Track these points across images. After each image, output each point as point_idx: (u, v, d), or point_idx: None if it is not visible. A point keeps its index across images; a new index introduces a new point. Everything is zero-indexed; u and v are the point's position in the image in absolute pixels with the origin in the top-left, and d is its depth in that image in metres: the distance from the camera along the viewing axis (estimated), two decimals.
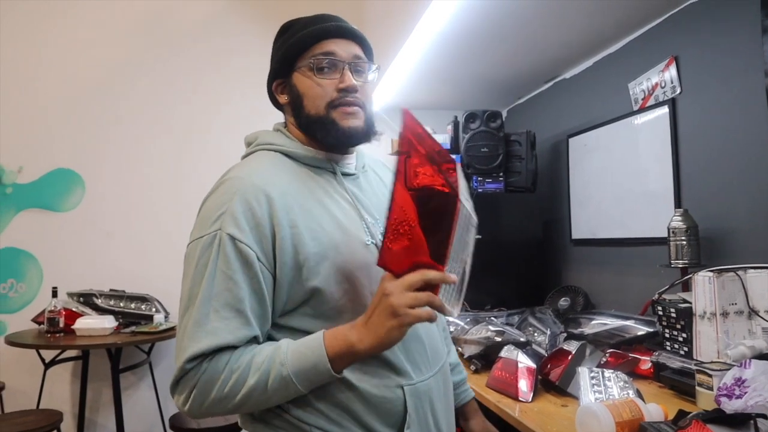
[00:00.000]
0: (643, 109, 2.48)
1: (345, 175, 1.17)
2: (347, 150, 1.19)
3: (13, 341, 2.95)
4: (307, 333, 1.02)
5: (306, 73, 1.12)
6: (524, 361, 1.79)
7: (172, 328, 3.18)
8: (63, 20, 3.62)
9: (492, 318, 2.41)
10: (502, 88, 3.44)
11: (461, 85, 3.34)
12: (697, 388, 1.48)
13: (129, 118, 3.69)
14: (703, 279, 1.63)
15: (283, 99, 1.18)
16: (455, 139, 3.21)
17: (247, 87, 3.80)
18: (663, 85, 2.35)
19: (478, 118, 3.07)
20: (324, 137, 1.12)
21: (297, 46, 1.13)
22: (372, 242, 1.10)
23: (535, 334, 2.17)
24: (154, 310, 3.29)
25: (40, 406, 3.22)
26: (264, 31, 3.82)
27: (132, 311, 3.27)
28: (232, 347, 0.96)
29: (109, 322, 3.08)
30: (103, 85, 3.66)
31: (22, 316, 3.43)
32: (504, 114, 3.79)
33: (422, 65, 2.95)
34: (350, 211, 1.12)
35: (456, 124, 3.23)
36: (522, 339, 2.01)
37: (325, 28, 1.13)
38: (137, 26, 3.73)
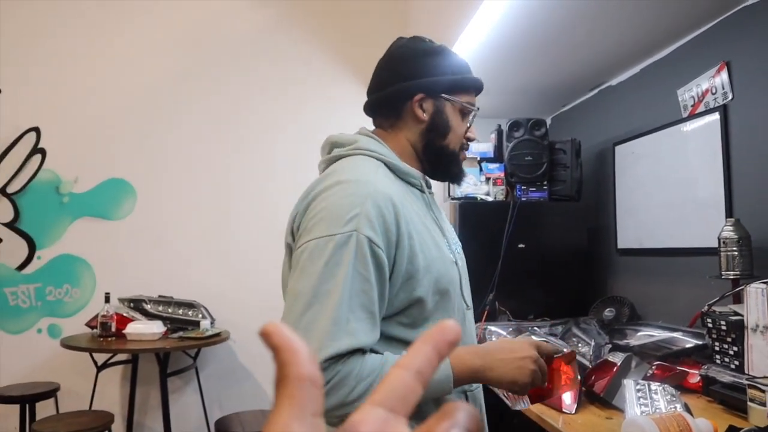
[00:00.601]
0: (692, 116, 2.42)
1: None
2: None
3: (67, 344, 3.05)
4: (398, 340, 1.06)
5: (456, 111, 1.22)
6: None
7: (218, 334, 3.24)
8: (118, 33, 3.76)
9: (535, 328, 2.38)
10: (547, 95, 3.41)
11: (505, 93, 3.33)
12: (749, 403, 1.43)
13: (179, 129, 3.79)
14: (755, 291, 1.58)
15: (421, 115, 1.20)
16: (499, 148, 3.19)
17: (298, 100, 3.88)
18: (714, 91, 2.29)
19: (522, 126, 3.05)
20: (453, 171, 1.27)
21: (463, 85, 1.23)
22: (454, 260, 1.17)
23: (579, 345, 2.13)
24: (200, 316, 3.36)
25: (93, 407, 3.32)
26: (315, 43, 3.89)
27: (180, 317, 3.35)
28: (361, 350, 0.98)
29: (157, 327, 3.16)
30: (155, 97, 3.78)
31: (76, 321, 3.55)
32: (548, 122, 3.76)
33: None
34: (436, 228, 1.18)
35: (500, 132, 3.21)
36: (566, 350, 1.98)
37: (481, 85, 1.27)
38: (191, 39, 3.84)
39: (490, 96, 3.36)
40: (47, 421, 2.89)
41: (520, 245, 2.86)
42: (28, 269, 3.60)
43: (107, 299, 3.23)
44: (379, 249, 1.01)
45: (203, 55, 3.84)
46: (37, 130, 3.65)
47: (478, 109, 1.27)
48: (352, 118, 3.65)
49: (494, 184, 3.04)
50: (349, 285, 0.97)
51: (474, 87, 1.25)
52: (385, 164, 1.16)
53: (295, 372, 0.27)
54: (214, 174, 3.80)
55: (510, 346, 1.09)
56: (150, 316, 3.31)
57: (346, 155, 1.17)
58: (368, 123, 1.34)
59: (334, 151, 1.20)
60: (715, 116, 2.27)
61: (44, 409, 3.22)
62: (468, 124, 1.25)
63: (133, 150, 3.74)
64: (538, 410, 1.70)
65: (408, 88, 1.20)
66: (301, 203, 1.10)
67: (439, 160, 1.24)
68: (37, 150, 3.65)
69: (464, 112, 1.23)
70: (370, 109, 1.28)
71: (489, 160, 3.14)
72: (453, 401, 1.14)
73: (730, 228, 2.00)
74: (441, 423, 0.27)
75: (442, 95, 1.20)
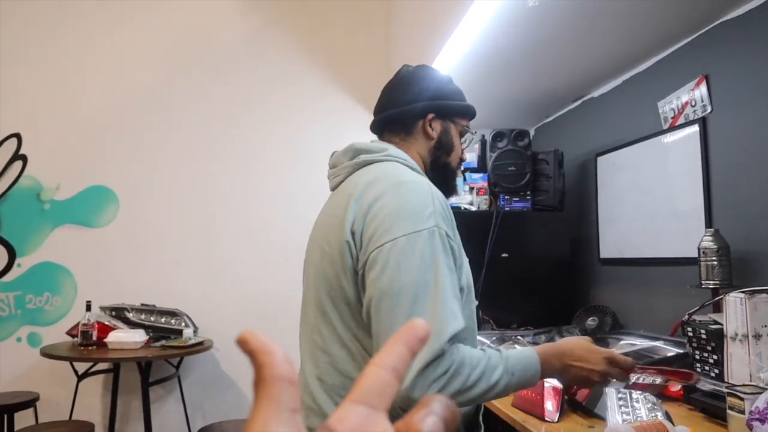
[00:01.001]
0: (672, 128, 2.46)
1: None
2: None
3: (47, 353, 3.01)
4: None
5: (457, 132, 1.38)
6: (551, 381, 1.78)
7: (201, 343, 3.22)
8: (101, 40, 3.74)
9: (518, 337, 2.39)
10: (530, 107, 3.44)
11: (489, 103, 3.35)
12: (729, 411, 1.45)
13: (163, 137, 3.77)
14: (734, 300, 1.61)
15: (431, 133, 1.34)
16: (482, 158, 3.22)
17: (284, 110, 3.87)
18: (693, 103, 2.33)
19: (506, 136, 3.08)
20: (452, 185, 1.41)
21: (464, 111, 1.39)
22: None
23: None
24: (183, 324, 3.34)
25: (73, 417, 3.28)
26: (301, 52, 3.90)
27: (162, 325, 3.32)
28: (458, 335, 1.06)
29: (139, 336, 3.13)
30: (138, 105, 3.76)
31: (57, 329, 3.50)
32: (532, 133, 3.79)
33: None
34: None
35: (483, 142, 3.23)
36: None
37: (475, 112, 1.43)
38: (174, 46, 3.82)
39: (474, 107, 3.39)
40: None
41: (504, 255, 2.88)
42: (8, 277, 3.55)
43: (88, 307, 3.19)
44: (453, 242, 1.12)
45: (188, 62, 3.83)
46: (18, 136, 3.61)
47: (475, 132, 1.44)
48: (337, 128, 3.70)
49: (478, 193, 3.06)
50: (443, 274, 1.06)
51: (471, 113, 1.41)
52: (413, 171, 1.26)
53: (272, 372, 0.28)
54: (198, 182, 3.79)
55: (584, 354, 1.17)
56: (132, 324, 3.27)
57: (379, 161, 1.24)
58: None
59: (360, 157, 1.26)
60: (695, 128, 2.31)
61: (23, 420, 3.17)
62: (464, 146, 1.40)
63: (116, 157, 3.71)
64: (521, 418, 1.71)
65: (421, 108, 1.33)
66: (356, 205, 1.14)
67: (443, 174, 1.36)
68: (18, 156, 3.61)
69: (462, 134, 1.39)
70: (378, 125, 1.39)
71: (472, 170, 3.16)
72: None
73: (710, 238, 2.03)
74: (418, 413, 0.29)
75: (449, 117, 1.36)
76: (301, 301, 1.36)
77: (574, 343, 1.21)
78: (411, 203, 1.11)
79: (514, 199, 3.03)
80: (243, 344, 0.29)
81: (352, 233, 1.13)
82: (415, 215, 1.09)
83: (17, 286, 3.56)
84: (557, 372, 1.16)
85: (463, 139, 1.41)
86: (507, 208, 3.01)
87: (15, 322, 3.53)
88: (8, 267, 3.55)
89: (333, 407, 1.13)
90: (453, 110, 1.37)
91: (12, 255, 3.56)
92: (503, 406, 1.83)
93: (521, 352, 1.13)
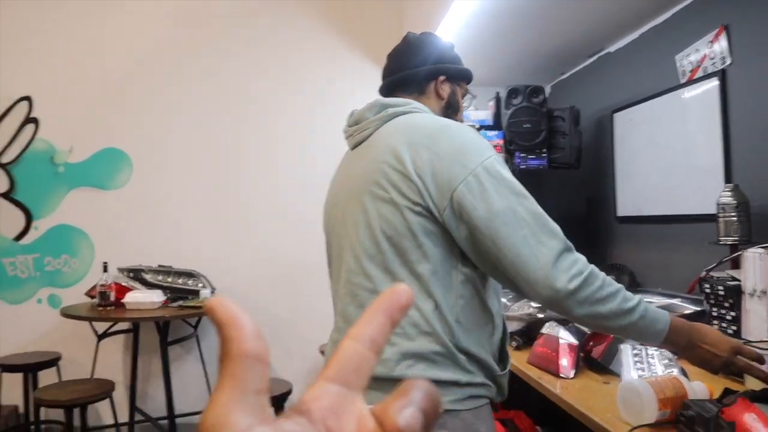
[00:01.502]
0: (691, 82, 2.40)
1: None
2: None
3: (67, 314, 3.07)
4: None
5: (461, 94, 1.46)
6: (566, 338, 1.78)
7: None
8: (114, 2, 3.69)
9: None
10: (545, 63, 3.37)
11: (503, 60, 3.29)
12: None
13: (176, 98, 3.75)
14: (753, 256, 1.59)
15: (443, 93, 1.41)
16: (497, 116, 3.17)
17: (299, 72, 3.83)
18: (712, 56, 2.27)
19: (521, 93, 3.02)
20: None
21: (465, 75, 1.46)
22: None
23: None
24: (200, 285, 3.37)
25: (94, 376, 3.36)
26: (315, 14, 3.84)
27: (179, 286, 3.35)
28: None
29: (157, 297, 3.17)
30: (150, 66, 3.73)
31: (75, 291, 3.56)
32: (547, 90, 3.73)
33: (463, 41, 2.91)
34: None
35: (498, 100, 3.18)
36: None
37: (472, 77, 1.50)
38: (189, 9, 3.76)
39: (488, 64, 3.33)
40: (50, 389, 2.92)
41: None
42: (26, 240, 3.59)
43: (105, 269, 3.23)
44: None
45: (202, 25, 3.78)
46: (29, 99, 3.61)
47: (475, 96, 1.56)
48: (353, 89, 3.65)
49: None
50: (523, 187, 1.18)
51: (470, 77, 1.49)
52: None
53: (238, 348, 0.26)
54: (212, 143, 3.78)
55: (713, 339, 1.18)
56: (149, 285, 3.31)
57: (407, 112, 1.30)
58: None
59: (388, 110, 1.30)
60: (714, 81, 2.25)
61: (47, 378, 3.25)
62: (464, 108, 1.50)
63: (128, 119, 3.70)
64: (537, 375, 1.72)
65: (433, 70, 1.40)
66: (410, 149, 1.18)
67: None
68: (29, 119, 3.61)
69: (463, 96, 1.47)
70: (389, 87, 1.43)
71: (487, 128, 3.12)
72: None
73: (729, 193, 2.00)
74: (396, 401, 0.26)
75: (455, 80, 1.43)
76: (330, 252, 1.39)
77: (707, 327, 1.23)
78: (467, 138, 1.18)
79: (530, 156, 3.00)
80: (210, 314, 0.27)
81: (418, 175, 1.16)
82: (476, 147, 1.17)
83: (35, 249, 3.60)
84: (681, 346, 1.17)
85: (463, 101, 1.49)
86: (522, 166, 2.98)
87: (34, 284, 3.59)
88: (26, 230, 3.60)
89: (388, 346, 1.17)
90: (458, 73, 1.45)
91: (29, 218, 3.60)
92: (519, 363, 1.84)
93: (655, 307, 1.15)
